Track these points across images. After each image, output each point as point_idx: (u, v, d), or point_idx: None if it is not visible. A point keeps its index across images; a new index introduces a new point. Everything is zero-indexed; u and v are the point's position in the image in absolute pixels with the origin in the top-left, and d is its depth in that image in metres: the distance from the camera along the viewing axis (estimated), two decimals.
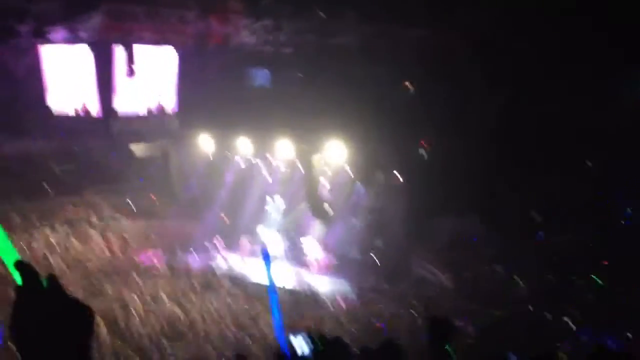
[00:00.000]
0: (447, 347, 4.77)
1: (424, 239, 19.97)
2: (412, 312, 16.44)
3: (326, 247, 21.14)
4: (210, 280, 18.96)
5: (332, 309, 17.20)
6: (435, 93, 23.50)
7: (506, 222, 18.29)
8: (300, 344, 4.67)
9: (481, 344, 13.58)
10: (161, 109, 25.51)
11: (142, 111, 25.19)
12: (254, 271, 20.20)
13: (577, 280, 16.78)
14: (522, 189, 18.75)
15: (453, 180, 19.12)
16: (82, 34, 24.32)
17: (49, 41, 24.08)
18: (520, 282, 16.66)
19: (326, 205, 21.40)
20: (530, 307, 15.46)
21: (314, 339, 4.73)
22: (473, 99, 22.82)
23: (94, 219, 20.76)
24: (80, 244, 19.50)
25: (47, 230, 19.31)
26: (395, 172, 20.81)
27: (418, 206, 19.69)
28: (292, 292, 18.49)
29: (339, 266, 20.41)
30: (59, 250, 18.52)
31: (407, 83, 27.70)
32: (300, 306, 17.41)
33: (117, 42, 24.79)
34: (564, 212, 18.29)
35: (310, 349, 4.62)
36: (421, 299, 17.36)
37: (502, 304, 15.97)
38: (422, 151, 22.59)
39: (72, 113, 24.21)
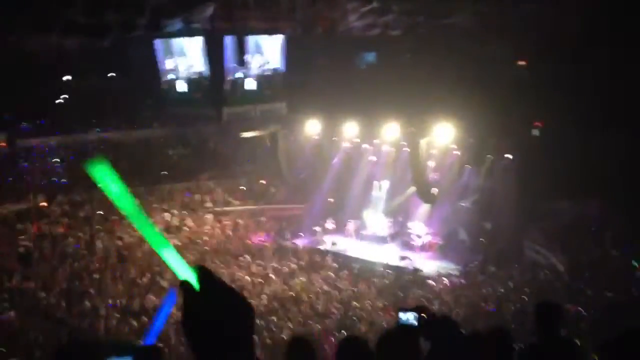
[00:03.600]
0: (556, 331, 4.56)
1: (537, 221, 19.15)
2: (523, 296, 15.81)
3: (433, 229, 20.87)
4: (317, 261, 19.27)
5: (438, 290, 16.93)
6: (551, 73, 22.47)
7: (624, 206, 17.15)
8: (409, 320, 4.62)
9: (596, 329, 12.85)
10: (271, 95, 26.19)
11: (253, 97, 25.98)
12: (359, 252, 20.42)
13: None
14: None
15: (569, 162, 18.23)
16: (196, 25, 25.38)
17: (164, 33, 25.33)
18: (638, 267, 15.58)
19: (433, 188, 21.07)
20: None
21: (423, 315, 4.67)
22: (592, 79, 21.50)
23: (208, 203, 21.67)
24: (195, 226, 20.43)
25: (165, 214, 20.37)
26: (506, 154, 20.16)
27: (531, 188, 18.94)
28: (397, 273, 18.44)
29: (446, 248, 20.08)
30: (175, 233, 19.47)
31: (520, 62, 26.67)
32: (406, 286, 17.31)
33: (229, 32, 25.68)
34: None
35: (419, 324, 4.57)
36: (533, 283, 16.70)
37: (619, 289, 15.02)
38: (535, 132, 21.71)
39: (186, 102, 25.44)
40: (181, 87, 25.58)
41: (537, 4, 24.17)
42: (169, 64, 25.57)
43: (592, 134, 19.35)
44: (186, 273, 1.89)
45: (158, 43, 25.56)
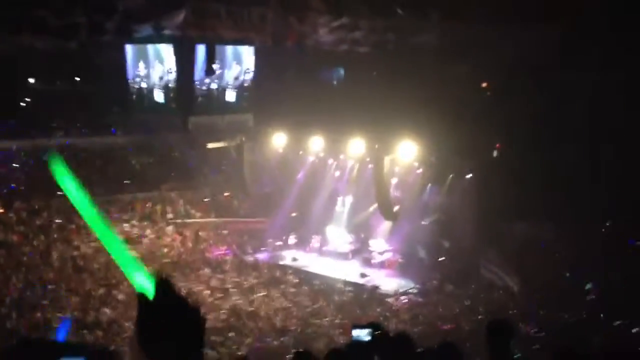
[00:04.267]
0: (508, 351, 4.65)
1: (493, 242, 19.46)
2: (479, 315, 16.05)
3: (393, 246, 21.04)
4: (277, 276, 19.31)
5: (396, 307, 17.09)
6: (515, 96, 22.91)
7: (579, 228, 17.53)
8: (363, 336, 4.71)
9: (549, 349, 13.08)
10: (237, 106, 26.14)
11: (220, 107, 25.91)
12: (321, 268, 20.47)
13: None
14: (599, 197, 17.89)
15: (526, 185, 18.57)
16: (167, 31, 25.24)
17: (134, 38, 25.15)
18: (591, 289, 15.91)
19: (395, 205, 21.25)
20: (601, 315, 14.74)
21: (377, 332, 4.76)
22: (556, 105, 22.01)
23: (170, 214, 21.48)
24: (155, 238, 20.22)
25: (125, 224, 20.12)
26: (467, 174, 20.45)
27: (489, 209, 19.25)
28: (356, 289, 18.56)
29: (405, 266, 20.29)
30: (135, 244, 19.26)
31: (484, 85, 27.12)
32: (364, 303, 17.46)
33: (198, 40, 25.60)
34: None
35: (373, 342, 4.66)
36: (488, 302, 16.96)
37: (571, 310, 15.33)
38: (496, 154, 22.06)
39: (152, 109, 25.22)
40: (148, 94, 25.41)
41: (503, 26, 24.70)
42: (137, 70, 25.37)
43: (549, 155, 19.77)
44: (144, 282, 1.96)
45: (127, 48, 25.36)
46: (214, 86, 26.05)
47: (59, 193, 18.88)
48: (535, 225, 18.86)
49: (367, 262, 20.78)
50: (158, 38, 25.16)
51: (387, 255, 20.78)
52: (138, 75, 25.53)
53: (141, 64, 25.57)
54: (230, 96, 26.35)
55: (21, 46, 22.21)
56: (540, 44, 24.34)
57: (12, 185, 20.12)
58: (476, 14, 24.93)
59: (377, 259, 20.75)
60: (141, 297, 2.03)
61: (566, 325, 14.93)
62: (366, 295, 18.29)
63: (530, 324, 15.06)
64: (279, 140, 23.29)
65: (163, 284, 2.04)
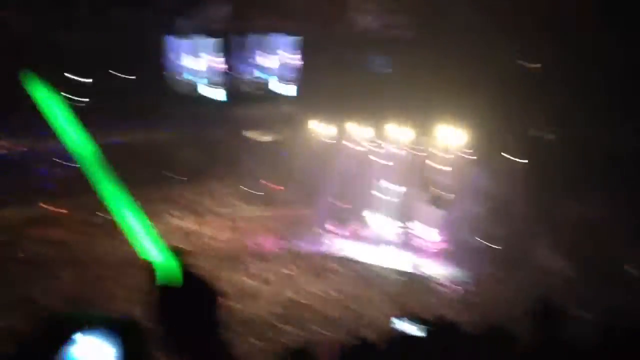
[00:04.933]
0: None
1: (547, 224, 18.77)
2: (532, 302, 15.49)
3: (441, 233, 20.57)
4: (323, 264, 19.08)
5: (445, 295, 16.70)
6: (563, 72, 22.08)
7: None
8: (405, 327, 4.54)
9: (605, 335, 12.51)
10: (280, 96, 26.09)
11: (264, 98, 25.92)
12: (370, 257, 20.19)
13: None
14: None
15: (580, 163, 17.88)
16: (209, 25, 25.37)
17: (176, 32, 25.35)
18: None
19: (442, 191, 20.80)
20: None
21: (417, 322, 4.59)
22: (606, 79, 21.09)
23: (213, 205, 21.55)
24: (199, 229, 20.28)
25: (169, 216, 20.26)
26: (516, 155, 19.87)
27: (541, 190, 18.63)
28: (407, 278, 18.22)
29: (455, 252, 19.73)
30: (179, 235, 19.37)
31: (532, 65, 26.23)
32: (412, 291, 17.11)
33: (242, 32, 25.66)
34: None
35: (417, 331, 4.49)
36: (542, 288, 16.36)
37: (630, 295, 14.67)
38: (547, 135, 21.37)
39: (198, 101, 25.42)
40: (193, 86, 25.61)
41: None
42: (182, 62, 25.58)
43: (605, 135, 19.03)
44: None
45: (172, 41, 25.58)
46: (258, 77, 26.06)
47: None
48: (593, 207, 18.15)
49: (418, 250, 20.34)
50: (202, 31, 25.32)
51: (436, 243, 20.33)
52: (183, 68, 25.72)
53: (186, 57, 25.76)
54: (275, 86, 26.30)
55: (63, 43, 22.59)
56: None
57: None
58: None
59: (427, 247, 20.32)
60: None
61: (624, 310, 14.33)
62: (418, 284, 17.90)
63: (587, 309, 14.49)
64: (322, 129, 23.10)
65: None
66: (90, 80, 25.40)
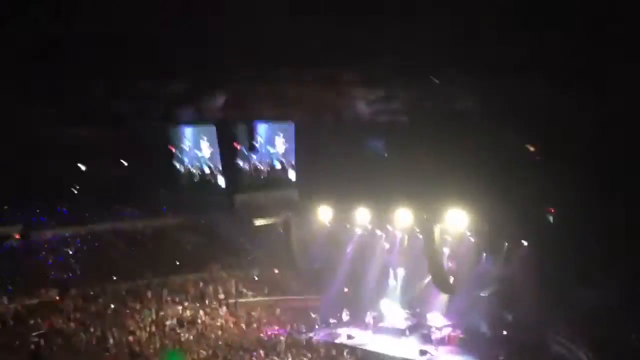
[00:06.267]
0: None
1: (559, 312, 18.62)
2: None
3: (452, 321, 20.33)
4: (333, 354, 18.63)
5: None
6: (564, 157, 22.49)
7: None
8: None
9: None
10: (282, 182, 26.30)
11: (264, 184, 26.12)
12: (378, 346, 19.80)
13: None
14: None
15: (589, 248, 17.98)
16: (208, 114, 25.84)
17: (177, 121, 25.77)
18: None
19: (450, 277, 20.70)
20: None
21: None
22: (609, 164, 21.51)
23: (221, 295, 21.30)
24: (208, 319, 19.94)
25: (178, 306, 19.99)
26: (523, 240, 19.93)
27: (551, 276, 18.58)
28: None
29: (467, 341, 19.45)
30: (187, 325, 19.06)
31: (531, 147, 26.73)
32: None
33: (239, 120, 26.13)
34: None
35: None
36: None
37: None
38: (550, 218, 21.54)
39: (199, 188, 25.56)
40: (194, 174, 25.80)
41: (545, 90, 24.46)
42: (183, 151, 25.88)
43: (607, 216, 19.19)
44: None
45: (172, 130, 25.97)
46: (257, 163, 26.36)
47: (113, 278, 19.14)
48: (601, 290, 18.11)
49: (426, 338, 19.97)
50: (201, 120, 25.75)
51: (447, 331, 20.01)
52: (184, 156, 26.00)
53: (186, 145, 26.09)
54: (275, 172, 26.56)
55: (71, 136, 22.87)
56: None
57: (68, 272, 20.27)
58: (514, 78, 24.80)
59: (436, 334, 19.96)
60: None
61: None
62: None
63: None
64: (325, 214, 23.17)
65: None
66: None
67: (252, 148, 26.66)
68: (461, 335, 19.73)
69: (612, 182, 20.46)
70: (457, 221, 20.36)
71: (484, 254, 20.72)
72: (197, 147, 25.98)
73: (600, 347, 16.71)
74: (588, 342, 17.21)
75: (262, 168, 26.28)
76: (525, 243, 19.89)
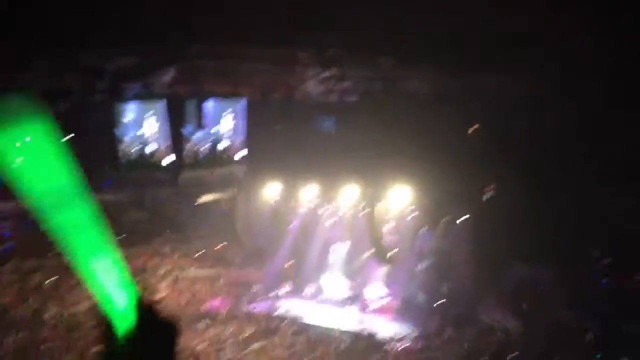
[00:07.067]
0: None
1: (491, 284, 19.30)
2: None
3: (390, 292, 20.85)
4: (274, 326, 19.00)
5: (395, 354, 16.83)
6: (504, 136, 23.03)
7: (577, 268, 17.48)
8: None
9: None
10: (229, 159, 26.25)
11: (210, 161, 26.03)
12: (317, 317, 20.22)
13: None
14: (593, 235, 17.92)
15: (522, 225, 18.57)
16: (156, 90, 25.54)
17: (123, 97, 25.41)
18: (590, 330, 15.76)
19: (391, 250, 21.19)
20: (599, 356, 14.59)
21: None
22: (546, 144, 22.12)
23: (164, 269, 21.32)
24: (149, 293, 19.98)
25: None
26: (461, 216, 20.48)
27: (486, 251, 19.19)
28: (354, 337, 18.29)
29: (403, 310, 20.04)
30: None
31: (474, 127, 27.29)
32: (362, 351, 17.18)
33: (188, 96, 25.89)
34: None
35: None
36: (488, 346, 16.74)
37: (571, 353, 15.15)
38: (488, 195, 22.11)
39: (143, 165, 25.29)
40: (138, 150, 25.49)
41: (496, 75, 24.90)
42: (126, 127, 25.53)
43: (541, 199, 19.79)
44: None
45: (117, 106, 25.57)
46: (204, 139, 26.23)
47: (53, 252, 18.99)
48: (532, 267, 18.78)
49: (365, 309, 20.52)
50: (147, 96, 25.42)
51: (385, 301, 20.56)
52: (128, 132, 25.67)
53: (131, 121, 25.76)
54: (221, 149, 26.48)
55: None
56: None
57: (5, 247, 20.01)
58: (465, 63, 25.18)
59: (374, 304, 20.50)
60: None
61: None
62: (364, 343, 17.98)
63: None
64: (271, 190, 23.37)
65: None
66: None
67: (199, 125, 26.49)
68: (398, 305, 20.29)
69: (550, 166, 21.12)
70: (400, 197, 20.89)
71: (424, 229, 21.28)
72: (139, 125, 25.65)
73: (527, 318, 17.41)
74: (516, 314, 17.91)
75: (208, 146, 26.11)
76: (462, 218, 20.47)
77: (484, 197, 21.92)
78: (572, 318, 16.72)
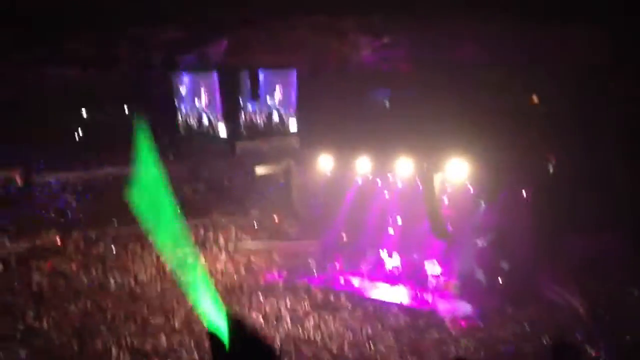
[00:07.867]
0: None
1: (553, 259, 18.78)
2: (541, 338, 15.51)
3: (448, 268, 20.56)
4: (330, 300, 19.01)
5: (454, 332, 16.63)
6: (564, 103, 22.25)
7: None
8: None
9: None
10: (283, 130, 26.24)
11: (266, 132, 26.07)
12: (374, 292, 20.16)
13: None
14: None
15: (584, 196, 18.00)
16: (210, 60, 25.56)
17: (179, 69, 25.56)
18: None
19: (448, 225, 20.84)
20: None
21: None
22: (608, 108, 21.26)
23: (222, 241, 21.53)
24: (208, 265, 20.20)
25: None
26: (521, 188, 19.98)
27: (547, 224, 18.68)
28: (412, 314, 18.15)
29: (462, 287, 19.70)
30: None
31: (533, 96, 26.46)
32: (421, 328, 17.04)
33: (242, 67, 25.87)
34: None
35: None
36: (550, 324, 16.38)
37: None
38: (549, 165, 21.47)
39: (201, 136, 25.54)
40: (196, 121, 25.73)
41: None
42: (184, 98, 25.75)
43: (608, 167, 19.12)
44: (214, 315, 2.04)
45: (174, 77, 25.80)
46: (259, 111, 26.25)
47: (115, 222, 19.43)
48: (596, 239, 18.20)
49: (422, 285, 20.30)
50: (202, 66, 25.51)
51: (443, 278, 20.29)
52: (186, 103, 25.90)
53: (188, 92, 25.96)
54: (276, 120, 26.48)
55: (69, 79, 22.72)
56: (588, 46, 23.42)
57: (69, 216, 20.52)
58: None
59: (432, 281, 20.26)
60: (213, 337, 2.30)
61: (633, 347, 14.37)
62: (423, 319, 17.80)
63: (596, 346, 14.53)
64: (326, 162, 23.23)
65: (237, 323, 2.28)
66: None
67: (254, 96, 26.47)
68: (457, 282, 19.97)
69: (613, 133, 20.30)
70: (457, 171, 20.44)
71: (482, 203, 20.84)
72: (197, 96, 25.81)
73: (590, 294, 16.93)
74: (580, 290, 17.42)
75: (263, 117, 26.13)
76: (523, 192, 19.97)
77: (544, 169, 21.30)
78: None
